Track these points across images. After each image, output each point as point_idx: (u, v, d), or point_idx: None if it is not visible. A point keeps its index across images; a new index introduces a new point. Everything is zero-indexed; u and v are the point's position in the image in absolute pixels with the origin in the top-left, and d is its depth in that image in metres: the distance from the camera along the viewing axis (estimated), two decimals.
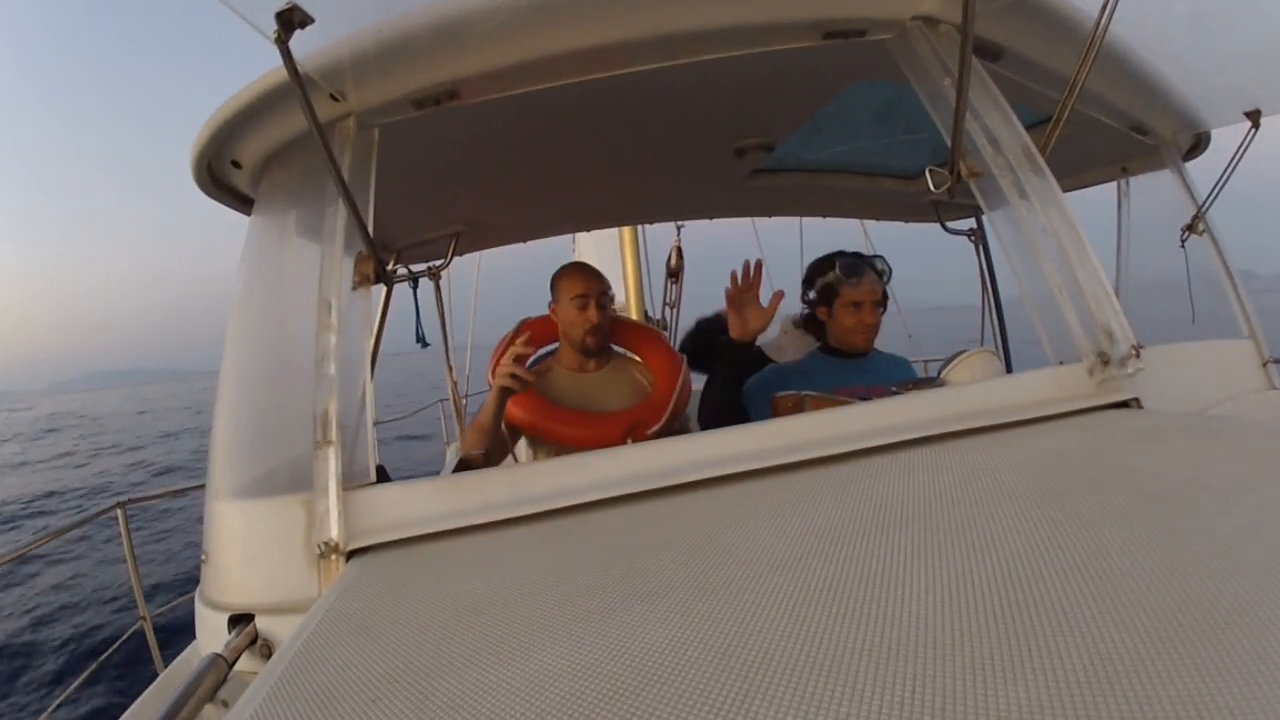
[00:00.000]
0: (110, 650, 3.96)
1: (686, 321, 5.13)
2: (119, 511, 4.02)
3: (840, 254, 2.87)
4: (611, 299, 2.88)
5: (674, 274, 5.22)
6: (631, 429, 2.73)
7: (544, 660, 0.88)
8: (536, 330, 3.00)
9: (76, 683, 3.72)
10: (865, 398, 2.27)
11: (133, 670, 5.97)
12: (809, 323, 3.02)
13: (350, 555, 1.48)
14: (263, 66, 1.87)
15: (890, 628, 0.81)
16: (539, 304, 3.06)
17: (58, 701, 3.60)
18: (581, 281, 2.81)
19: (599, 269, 2.91)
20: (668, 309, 5.36)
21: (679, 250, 5.17)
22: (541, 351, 3.10)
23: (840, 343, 2.87)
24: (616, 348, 3.14)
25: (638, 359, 3.16)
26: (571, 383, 2.95)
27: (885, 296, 2.84)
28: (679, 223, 5.04)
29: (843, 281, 2.80)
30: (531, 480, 1.58)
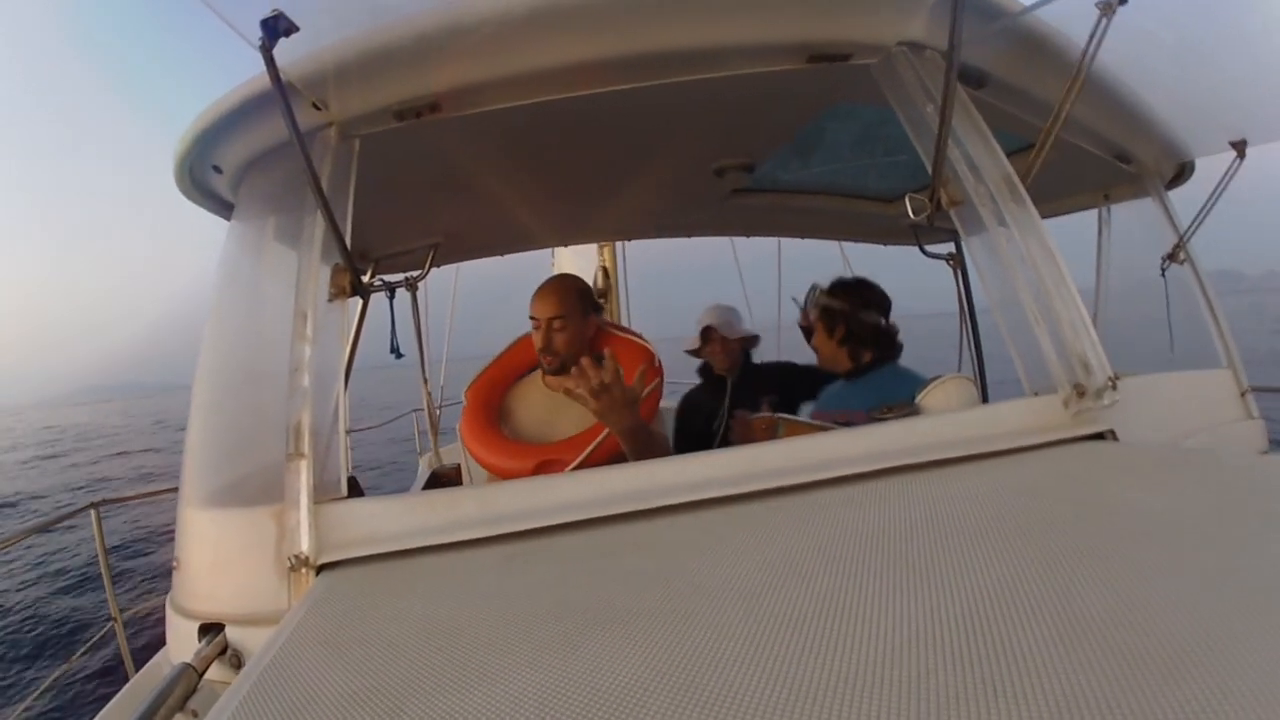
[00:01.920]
0: (82, 650, 3.94)
1: (657, 331, 5.14)
2: (93, 512, 3.99)
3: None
4: (566, 325, 2.79)
5: (602, 294, 5.10)
6: (540, 467, 2.65)
7: (510, 687, 0.87)
8: (526, 349, 3.00)
9: (47, 683, 3.69)
10: (847, 422, 2.27)
11: (104, 671, 5.94)
12: None
13: (320, 569, 1.47)
14: (247, 71, 1.86)
15: (855, 664, 0.80)
16: (516, 317, 3.03)
17: (28, 700, 3.57)
18: (535, 304, 2.78)
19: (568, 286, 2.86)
20: None
21: (605, 270, 5.09)
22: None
23: None
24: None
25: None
26: (539, 398, 2.93)
27: (825, 315, 2.94)
28: (600, 243, 4.97)
29: None
30: (501, 500, 1.57)
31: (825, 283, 3.02)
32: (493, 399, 2.95)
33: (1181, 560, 1.00)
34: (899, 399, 2.50)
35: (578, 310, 2.79)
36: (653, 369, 2.89)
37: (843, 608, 0.95)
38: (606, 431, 2.70)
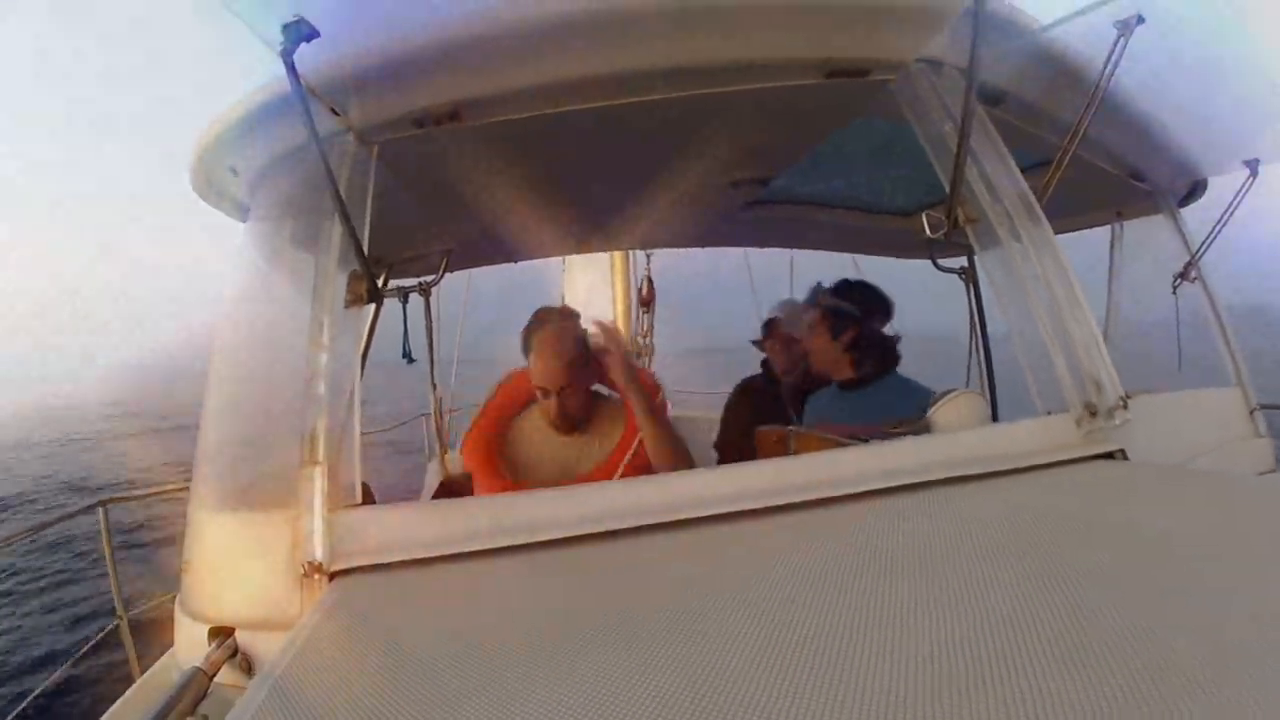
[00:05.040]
0: (85, 648, 3.94)
1: (672, 344, 5.12)
2: (100, 510, 3.99)
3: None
4: (576, 388, 2.75)
5: (645, 303, 5.17)
6: None
7: (526, 702, 0.88)
8: (519, 387, 3.00)
9: (49, 681, 3.70)
10: (858, 436, 2.26)
11: (108, 669, 5.94)
12: None
13: (333, 576, 1.47)
14: (259, 73, 1.86)
15: (867, 683, 0.81)
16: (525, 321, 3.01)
17: (30, 698, 3.57)
18: (541, 372, 2.72)
19: (574, 326, 2.81)
20: (641, 338, 5.30)
21: (649, 280, 5.12)
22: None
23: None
24: (604, 390, 3.02)
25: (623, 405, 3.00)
26: (547, 442, 2.88)
27: (828, 316, 2.85)
28: (648, 251, 4.99)
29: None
30: (517, 511, 1.57)
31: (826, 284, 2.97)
32: (493, 447, 2.94)
33: (1192, 581, 1.00)
34: (904, 413, 2.48)
35: (581, 367, 2.76)
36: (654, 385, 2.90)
37: (855, 626, 0.95)
38: (623, 467, 2.71)
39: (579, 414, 2.79)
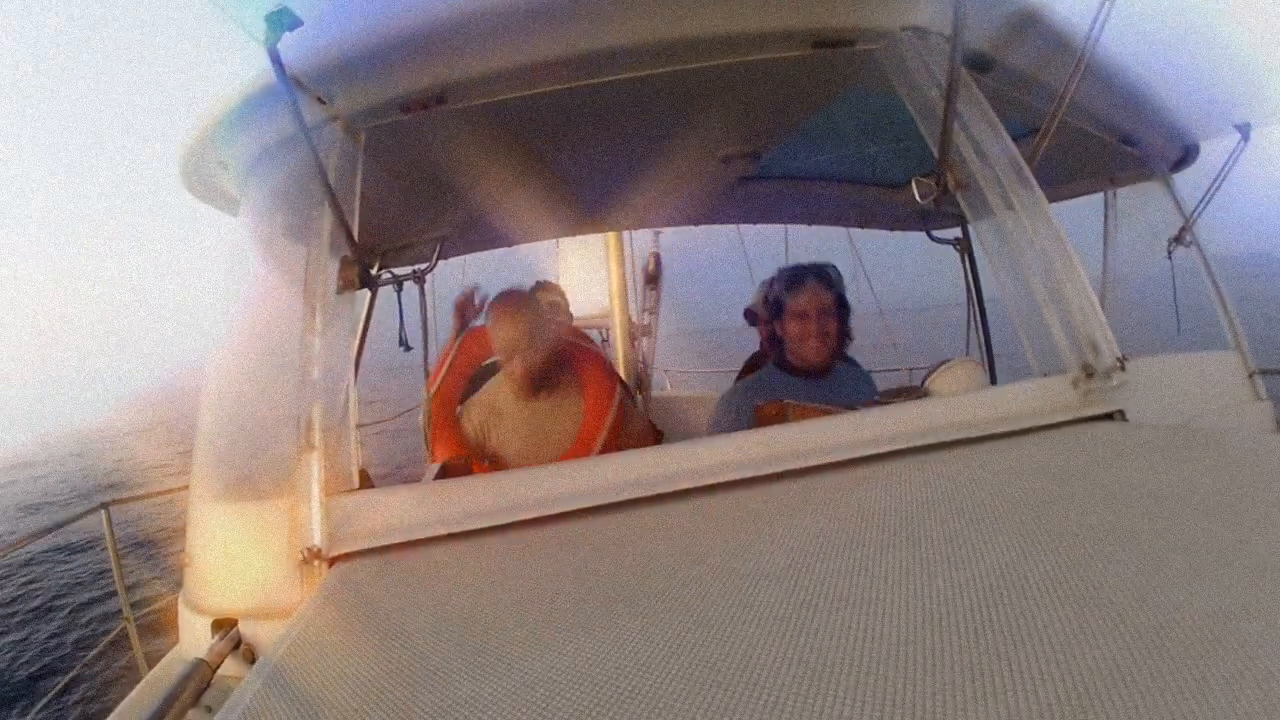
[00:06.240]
0: (94, 651, 3.95)
1: (666, 325, 5.11)
2: (103, 513, 3.99)
3: (787, 267, 2.84)
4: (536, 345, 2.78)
5: (652, 280, 5.18)
6: None
7: (526, 674, 0.88)
8: (480, 348, 3.06)
9: (60, 684, 3.71)
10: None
11: (117, 671, 5.95)
12: (773, 343, 2.86)
13: (333, 561, 1.47)
14: (247, 65, 1.86)
15: (871, 645, 0.80)
16: None
17: (43, 702, 3.58)
18: (499, 339, 2.78)
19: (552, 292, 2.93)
20: (647, 314, 5.32)
21: (657, 257, 5.13)
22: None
23: (796, 357, 2.75)
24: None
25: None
26: (520, 411, 2.91)
27: (840, 303, 2.73)
28: (656, 230, 5.00)
29: (785, 293, 2.75)
30: (515, 488, 1.57)
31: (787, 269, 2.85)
32: (453, 414, 3.04)
33: (1194, 538, 1.00)
34: (864, 398, 2.46)
35: (538, 330, 2.80)
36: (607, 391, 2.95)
37: (860, 589, 0.95)
38: (605, 432, 2.73)
39: (540, 377, 2.82)
